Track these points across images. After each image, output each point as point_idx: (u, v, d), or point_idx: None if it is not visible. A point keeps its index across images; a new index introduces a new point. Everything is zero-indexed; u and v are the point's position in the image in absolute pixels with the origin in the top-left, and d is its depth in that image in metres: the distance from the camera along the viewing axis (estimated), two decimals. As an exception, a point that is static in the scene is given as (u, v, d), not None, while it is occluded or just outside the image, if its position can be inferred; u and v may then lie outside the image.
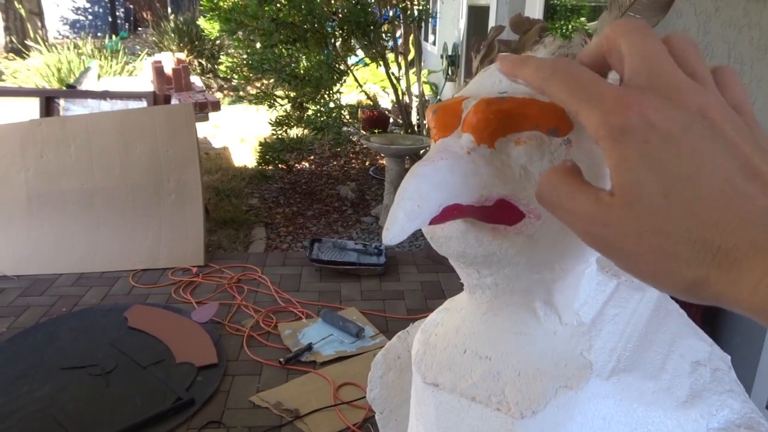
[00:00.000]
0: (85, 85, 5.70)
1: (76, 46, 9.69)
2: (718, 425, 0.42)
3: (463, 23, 7.52)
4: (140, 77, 7.70)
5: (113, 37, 12.95)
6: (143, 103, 3.99)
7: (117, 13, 18.27)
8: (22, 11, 12.75)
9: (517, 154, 0.36)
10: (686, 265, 0.27)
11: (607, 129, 0.29)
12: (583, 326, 0.43)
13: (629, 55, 0.30)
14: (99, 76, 7.15)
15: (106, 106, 4.01)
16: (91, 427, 2.16)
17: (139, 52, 10.55)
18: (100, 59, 9.14)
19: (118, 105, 3.99)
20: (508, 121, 0.36)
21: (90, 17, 18.13)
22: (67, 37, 14.47)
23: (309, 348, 2.65)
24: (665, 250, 0.27)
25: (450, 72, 7.72)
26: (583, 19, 4.98)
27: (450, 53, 7.95)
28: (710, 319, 2.46)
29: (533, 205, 0.36)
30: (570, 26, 4.98)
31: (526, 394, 0.41)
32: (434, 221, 0.34)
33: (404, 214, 0.32)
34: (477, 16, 6.84)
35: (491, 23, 5.59)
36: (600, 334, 0.43)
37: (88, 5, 18.14)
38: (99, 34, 14.86)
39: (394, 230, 0.32)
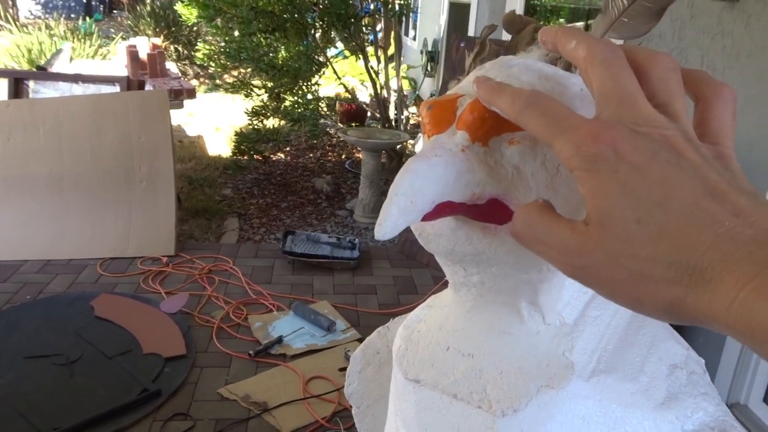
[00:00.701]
0: (57, 68, 5.56)
1: (48, 27, 9.44)
2: (693, 427, 0.43)
3: (443, 19, 7.53)
4: (114, 61, 7.54)
5: (87, 19, 12.65)
6: (116, 88, 3.91)
7: (91, -6, 17.85)
8: (-9, -12, 12.37)
9: (510, 153, 0.36)
10: (664, 286, 0.28)
11: (580, 160, 0.30)
12: (565, 327, 0.43)
13: (601, 85, 0.32)
14: (71, 59, 6.98)
15: (78, 89, 3.92)
16: (53, 418, 2.11)
17: (114, 36, 10.33)
18: (73, 41, 8.92)
19: (91, 89, 3.91)
20: (503, 120, 0.36)
21: (63, -2, 17.69)
22: (39, 17, 14.09)
23: (279, 341, 2.64)
24: (642, 273, 0.28)
25: (429, 68, 7.74)
26: (562, 20, 5.03)
27: (430, 49, 7.97)
28: (676, 321, 2.52)
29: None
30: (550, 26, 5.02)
31: (507, 393, 0.41)
32: (426, 218, 0.34)
33: (397, 210, 0.32)
34: (458, 13, 6.87)
35: (472, 20, 5.61)
36: (582, 335, 0.43)
37: (60, -15, 17.69)
38: (72, 16, 14.50)
39: (387, 225, 0.32)
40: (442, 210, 0.35)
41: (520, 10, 4.89)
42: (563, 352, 0.42)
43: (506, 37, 0.52)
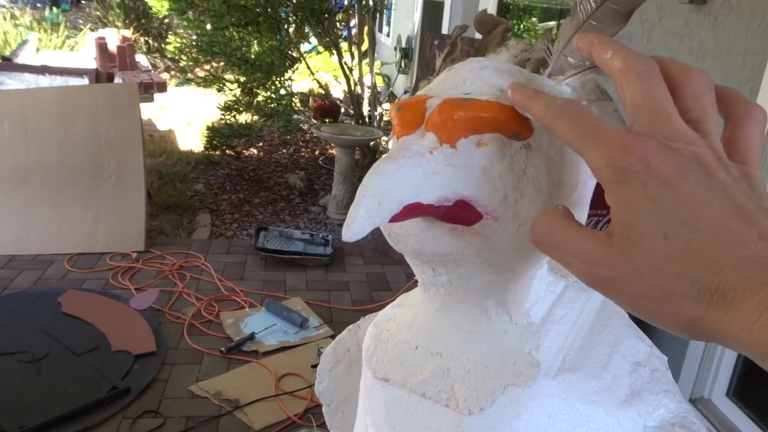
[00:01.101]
0: (22, 59, 5.42)
1: (13, 17, 9.20)
2: (654, 423, 0.44)
3: (417, 17, 7.54)
4: (82, 53, 7.37)
5: (54, 9, 12.34)
6: (85, 81, 3.83)
7: (58, -16, 17.39)
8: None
9: (478, 155, 0.36)
10: (686, 303, 0.28)
11: (610, 171, 0.30)
12: (532, 326, 0.44)
13: (635, 98, 0.32)
14: (37, 50, 6.81)
15: (45, 81, 3.83)
16: (19, 416, 2.07)
17: (82, 27, 10.10)
18: (39, 32, 8.70)
19: (58, 81, 3.82)
20: (471, 122, 0.36)
21: (29, -14, 17.20)
22: (4, 7, 13.69)
23: (251, 337, 2.62)
24: (665, 288, 0.28)
25: (403, 65, 7.74)
26: (534, 19, 5.08)
27: (404, 46, 7.97)
28: (643, 317, 2.57)
29: (491, 207, 0.37)
30: (522, 25, 5.07)
31: (474, 391, 0.41)
32: (394, 219, 0.34)
33: (365, 212, 0.32)
34: (432, 10, 6.88)
35: (446, 18, 5.63)
36: (548, 334, 0.44)
37: (26, -27, 17.21)
38: (39, 5, 14.12)
39: (355, 227, 0.32)
40: (409, 211, 0.35)
41: (492, 8, 4.92)
42: (530, 350, 0.43)
43: (479, 36, 0.52)
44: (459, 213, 0.36)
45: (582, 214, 0.41)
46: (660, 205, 0.29)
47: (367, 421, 0.48)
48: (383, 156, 0.36)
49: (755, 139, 0.32)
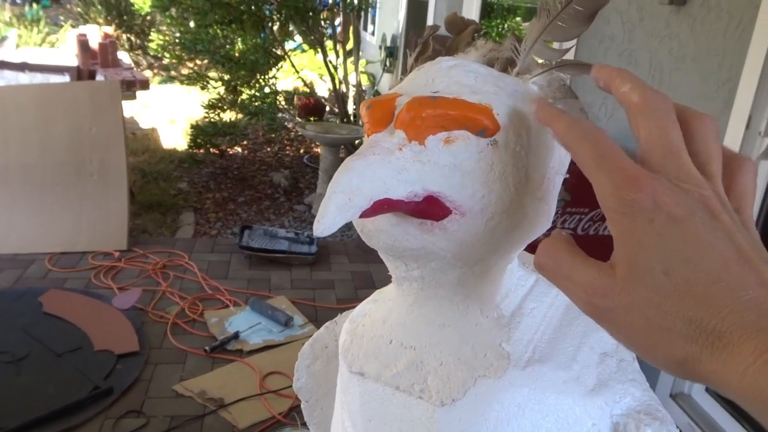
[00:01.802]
0: (2, 55, 5.35)
1: (-9, 13, 9.06)
2: (621, 411, 0.45)
3: (402, 15, 7.55)
4: (62, 50, 7.29)
5: (34, 5, 12.18)
6: (66, 78, 3.79)
7: (38, -20, 17.15)
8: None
9: (446, 152, 0.37)
10: (681, 341, 0.29)
11: (617, 201, 0.31)
12: (503, 319, 0.45)
13: (649, 134, 0.33)
14: (17, 46, 6.72)
15: (25, 78, 3.78)
16: (-1, 417, 2.05)
17: (62, 23, 9.98)
18: (19, 28, 8.59)
19: (38, 78, 3.78)
20: (439, 120, 0.37)
21: (8, -18, 16.95)
22: (-18, 2, 13.49)
23: (236, 336, 2.62)
24: (662, 324, 0.29)
25: (388, 63, 7.75)
26: (518, 18, 5.11)
27: (389, 45, 7.98)
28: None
29: (459, 202, 0.38)
30: (506, 25, 5.10)
31: (447, 383, 0.42)
32: (365, 214, 0.35)
33: (335, 207, 0.33)
34: (416, 9, 6.89)
35: (430, 17, 5.64)
36: (518, 326, 0.45)
37: (6, -31, 16.96)
38: (18, 1, 13.92)
39: (325, 222, 0.33)
40: (379, 207, 0.36)
41: (476, 9, 4.95)
42: (500, 342, 0.44)
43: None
44: (428, 208, 0.37)
45: (549, 209, 0.42)
46: (665, 242, 0.29)
47: (344, 415, 0.49)
48: (354, 153, 0.36)
49: (748, 188, 0.34)
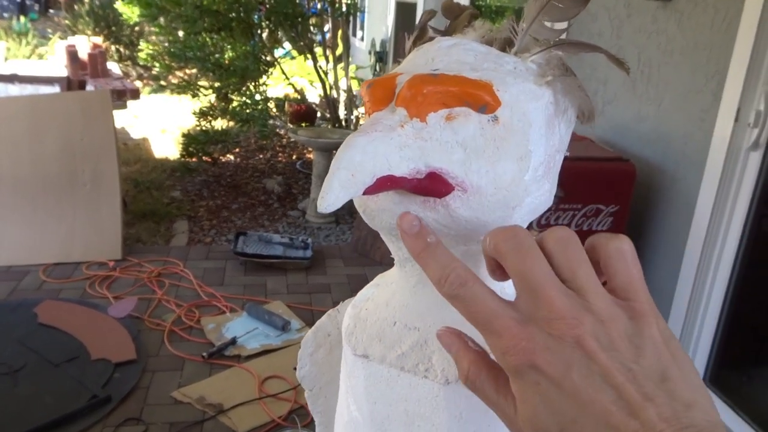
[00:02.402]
0: (-10, 68, 5.33)
1: (-21, 26, 9.02)
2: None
3: (391, 20, 7.58)
4: (52, 61, 7.27)
5: (22, 18, 12.14)
6: (56, 89, 3.78)
7: (25, -7, 17.11)
8: None
9: (448, 128, 0.38)
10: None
11: (506, 366, 0.32)
12: (507, 296, 0.45)
13: (513, 276, 0.33)
14: (6, 59, 6.70)
15: (15, 90, 3.77)
16: (-4, 429, 2.03)
17: (51, 36, 9.95)
18: (8, 41, 8.56)
19: (28, 89, 3.76)
20: (440, 96, 0.37)
21: (-5, -4, 16.90)
22: (-31, 17, 13.44)
23: (233, 342, 2.61)
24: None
25: (378, 68, 7.77)
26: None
27: (378, 49, 8.00)
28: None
29: (461, 178, 0.38)
30: (495, 27, 5.12)
31: (452, 362, 0.43)
32: (367, 191, 0.36)
33: (338, 183, 0.33)
34: (405, 12, 6.92)
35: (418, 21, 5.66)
36: (521, 304, 0.46)
37: (-8, -17, 16.90)
38: (5, 15, 13.88)
39: (329, 198, 0.33)
40: (382, 184, 0.36)
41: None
42: (504, 320, 0.44)
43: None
44: (431, 185, 0.38)
45: (551, 187, 0.43)
46: (551, 404, 0.31)
47: (349, 400, 0.49)
48: (355, 131, 0.37)
49: (631, 272, 0.33)
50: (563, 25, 0.45)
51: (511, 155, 0.38)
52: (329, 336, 0.58)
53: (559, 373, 0.31)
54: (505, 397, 0.33)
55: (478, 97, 0.37)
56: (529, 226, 0.43)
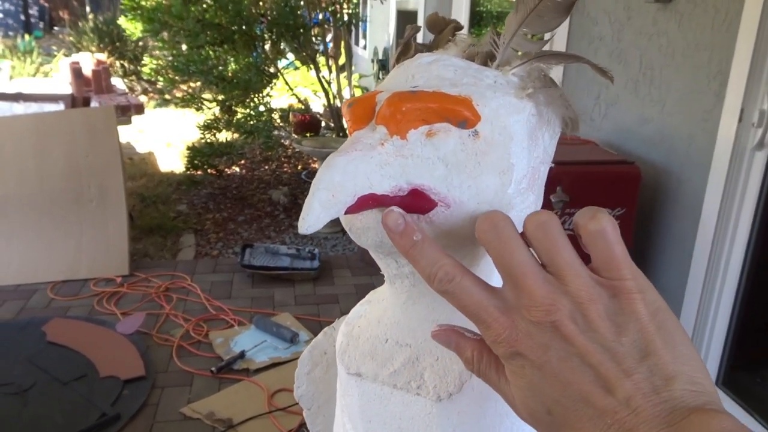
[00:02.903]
0: (-4, 88, 5.38)
1: (-15, 47, 9.13)
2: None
3: (392, 28, 7.61)
4: (56, 79, 7.34)
5: (26, 36, 12.28)
6: (60, 106, 3.81)
7: (30, 12, 17.31)
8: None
9: (429, 145, 0.38)
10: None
11: (498, 354, 0.34)
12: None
13: (495, 264, 0.34)
14: (10, 77, 6.77)
15: (20, 108, 3.81)
16: (6, 449, 2.04)
17: (55, 53, 10.05)
18: (12, 59, 8.65)
19: (33, 108, 3.80)
20: (419, 113, 0.37)
21: (1, 15, 17.11)
22: (-24, 37, 13.59)
23: (242, 355, 2.61)
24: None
25: (381, 76, 7.80)
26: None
27: (380, 57, 8.03)
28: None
29: (443, 194, 0.38)
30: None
31: (443, 378, 0.42)
32: (350, 210, 0.35)
33: (319, 204, 0.33)
34: (405, 20, 6.94)
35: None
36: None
37: (-2, 3, 17.14)
38: (11, 34, 14.04)
39: (309, 219, 0.33)
40: (364, 202, 0.36)
41: (465, 16, 4.98)
42: (495, 335, 0.44)
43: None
44: (413, 202, 0.37)
45: (536, 200, 0.42)
46: (537, 387, 0.32)
47: (344, 419, 0.49)
48: (335, 151, 0.37)
49: (609, 251, 0.33)
50: (550, 34, 0.45)
51: (493, 169, 0.38)
52: (325, 354, 0.57)
53: (539, 357, 0.32)
54: (506, 382, 0.35)
55: (458, 113, 0.37)
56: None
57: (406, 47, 0.47)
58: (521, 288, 0.33)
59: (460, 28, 0.48)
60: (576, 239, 0.35)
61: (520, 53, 0.42)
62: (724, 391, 2.28)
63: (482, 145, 0.38)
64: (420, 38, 0.51)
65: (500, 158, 0.38)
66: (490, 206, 0.38)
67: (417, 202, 0.37)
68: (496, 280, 0.35)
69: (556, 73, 3.39)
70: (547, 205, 2.31)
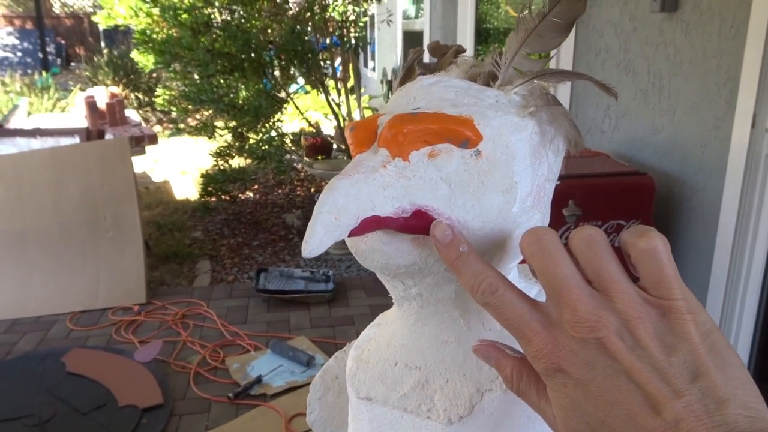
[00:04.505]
0: (14, 124, 5.50)
1: (3, 84, 9.35)
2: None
3: (399, 49, 7.68)
4: (72, 113, 7.48)
5: (44, 73, 12.56)
6: (76, 140, 3.87)
7: (48, 49, 17.72)
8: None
9: (431, 165, 0.38)
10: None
11: (538, 370, 0.33)
12: (506, 331, 0.44)
13: (540, 279, 0.34)
14: (29, 114, 6.91)
15: (37, 144, 3.88)
16: (28, 482, 2.04)
17: (72, 88, 10.26)
18: (30, 96, 8.84)
19: (49, 142, 3.87)
20: (421, 134, 0.37)
21: (19, 54, 17.53)
22: (-6, 75, 13.93)
23: (258, 381, 2.60)
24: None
25: (390, 96, 7.86)
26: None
27: (389, 78, 8.09)
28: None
29: (447, 214, 0.38)
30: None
31: (454, 401, 0.42)
32: (353, 233, 0.35)
33: (322, 227, 0.33)
34: (411, 41, 7.01)
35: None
36: (523, 337, 0.44)
37: (17, 42, 17.55)
38: (29, 71, 14.37)
39: (313, 243, 0.33)
40: (368, 225, 0.36)
41: (470, 34, 5.02)
42: (505, 355, 0.43)
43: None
44: (417, 223, 0.37)
45: (542, 218, 0.42)
46: (580, 406, 0.31)
47: (357, 444, 0.48)
48: (338, 174, 0.37)
49: (663, 268, 0.32)
50: (554, 51, 0.45)
51: (496, 188, 0.38)
52: (337, 378, 0.57)
53: (583, 375, 0.31)
54: (546, 401, 0.34)
55: (459, 133, 0.37)
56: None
57: (409, 71, 0.48)
58: (565, 303, 0.32)
59: (463, 51, 0.48)
60: (623, 257, 0.34)
61: (522, 72, 0.42)
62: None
63: (485, 164, 0.38)
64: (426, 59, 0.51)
65: (503, 177, 0.38)
66: (495, 225, 0.38)
67: (421, 222, 0.37)
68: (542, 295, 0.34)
69: (564, 86, 3.39)
70: (559, 219, 2.30)
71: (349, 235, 0.35)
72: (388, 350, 0.46)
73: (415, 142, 0.37)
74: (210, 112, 5.04)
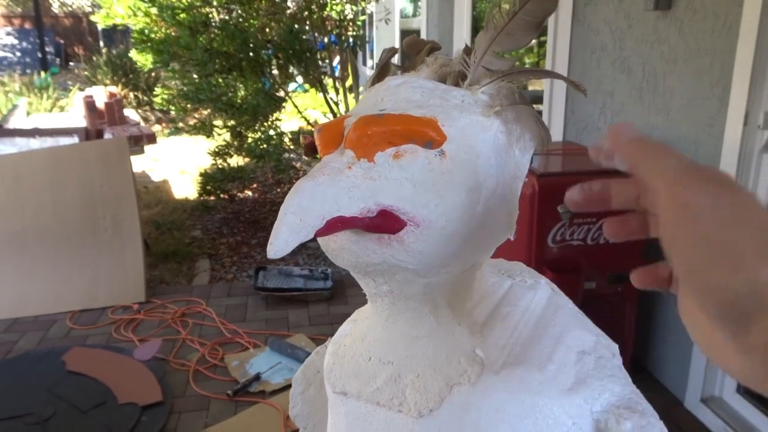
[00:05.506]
0: (13, 124, 5.51)
1: (2, 84, 9.36)
2: (601, 408, 0.45)
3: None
4: (71, 113, 7.49)
5: (43, 73, 12.56)
6: (74, 139, 3.88)
7: (47, 49, 17.70)
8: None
9: (396, 166, 0.39)
10: (755, 258, 0.29)
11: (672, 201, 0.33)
12: (475, 325, 0.46)
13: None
14: (28, 114, 6.92)
15: (36, 143, 3.89)
16: (28, 479, 2.05)
17: (71, 87, 10.26)
18: (29, 96, 8.85)
19: (49, 142, 3.88)
20: (385, 135, 0.38)
21: (18, 54, 17.53)
22: (-7, 75, 13.93)
23: (257, 378, 2.61)
24: (731, 249, 0.30)
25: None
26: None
27: (388, 77, 8.09)
28: (644, 320, 2.56)
29: (412, 213, 0.39)
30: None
31: (424, 394, 0.43)
32: (319, 233, 0.37)
33: (287, 228, 0.34)
34: (411, 40, 6.99)
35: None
36: (492, 331, 0.46)
37: (16, 42, 17.54)
38: (28, 71, 14.37)
39: (278, 244, 0.34)
40: (333, 225, 0.37)
41: (466, 32, 5.02)
42: (474, 349, 0.44)
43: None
44: (383, 222, 0.38)
45: (509, 215, 0.43)
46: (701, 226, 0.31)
47: (334, 437, 0.50)
48: (304, 176, 0.38)
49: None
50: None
51: (460, 187, 0.39)
52: (318, 373, 0.58)
53: (707, 203, 0.31)
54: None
55: (423, 134, 0.38)
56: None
57: (382, 70, 0.49)
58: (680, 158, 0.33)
59: (438, 48, 0.49)
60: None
61: (491, 71, 0.43)
62: (747, 399, 2.24)
63: (449, 164, 0.39)
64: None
65: (467, 176, 0.39)
66: (460, 223, 0.39)
67: (386, 222, 0.38)
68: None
69: (561, 85, 3.40)
70: (554, 216, 2.31)
71: (316, 236, 0.36)
72: (363, 345, 0.47)
73: (380, 143, 0.38)
74: (208, 111, 5.04)
